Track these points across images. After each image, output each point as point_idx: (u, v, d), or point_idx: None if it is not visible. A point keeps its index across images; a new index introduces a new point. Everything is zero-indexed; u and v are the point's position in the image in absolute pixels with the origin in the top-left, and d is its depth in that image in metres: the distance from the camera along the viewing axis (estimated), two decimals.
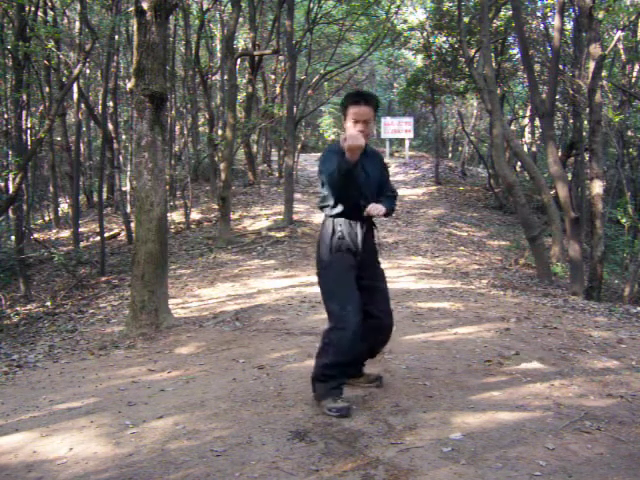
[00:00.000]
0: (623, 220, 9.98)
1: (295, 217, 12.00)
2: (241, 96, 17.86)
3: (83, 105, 13.39)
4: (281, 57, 17.40)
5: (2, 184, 10.97)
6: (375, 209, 2.83)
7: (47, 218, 16.17)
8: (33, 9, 10.55)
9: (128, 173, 14.64)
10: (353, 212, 2.90)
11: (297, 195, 13.79)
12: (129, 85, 5.42)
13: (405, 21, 18.10)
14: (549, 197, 9.68)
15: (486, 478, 2.23)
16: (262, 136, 19.10)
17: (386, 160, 3.84)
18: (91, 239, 12.91)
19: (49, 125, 10.14)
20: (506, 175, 9.12)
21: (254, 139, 18.39)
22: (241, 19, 16.31)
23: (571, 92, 11.67)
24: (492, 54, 13.09)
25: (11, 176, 9.99)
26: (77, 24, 13.46)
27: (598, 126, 7.69)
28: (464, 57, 12.86)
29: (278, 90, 17.35)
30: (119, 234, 13.04)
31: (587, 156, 11.29)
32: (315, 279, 3.07)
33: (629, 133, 12.94)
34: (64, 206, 16.51)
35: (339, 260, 2.91)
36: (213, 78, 17.36)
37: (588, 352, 4.04)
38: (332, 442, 2.58)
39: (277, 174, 17.54)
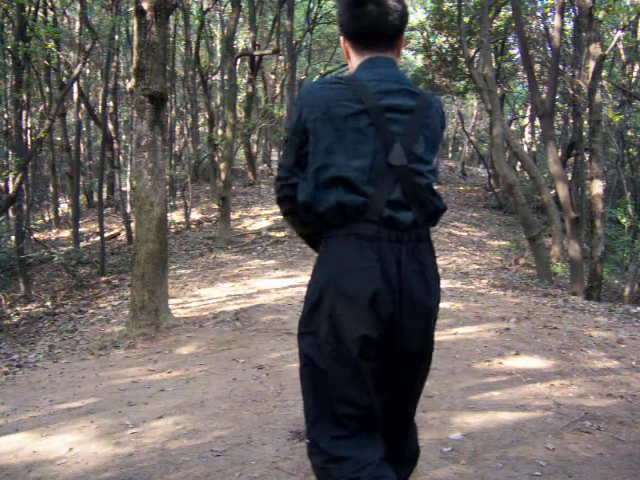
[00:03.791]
0: (623, 220, 9.98)
1: None
2: (241, 96, 17.86)
3: (83, 105, 13.39)
4: (281, 57, 17.40)
5: (2, 184, 10.97)
6: None
7: (47, 218, 16.16)
8: (33, 9, 10.54)
9: (128, 173, 14.64)
10: None
11: None
12: (129, 85, 5.42)
13: None
14: (549, 197, 9.67)
15: (486, 478, 2.23)
16: (262, 136, 19.10)
17: None
18: (91, 239, 12.91)
19: (49, 125, 10.14)
20: (506, 175, 9.12)
21: (254, 139, 18.38)
22: (241, 19, 16.30)
23: (571, 92, 11.67)
24: (492, 54, 13.08)
25: (11, 176, 10.00)
26: (77, 24, 13.46)
27: (598, 126, 7.69)
28: (464, 57, 12.85)
29: (278, 90, 17.34)
30: (119, 234, 13.04)
31: (587, 156, 11.29)
32: None
33: (629, 133, 12.95)
34: (64, 206, 16.51)
35: None
36: (213, 78, 17.37)
37: (588, 352, 4.04)
38: None
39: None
